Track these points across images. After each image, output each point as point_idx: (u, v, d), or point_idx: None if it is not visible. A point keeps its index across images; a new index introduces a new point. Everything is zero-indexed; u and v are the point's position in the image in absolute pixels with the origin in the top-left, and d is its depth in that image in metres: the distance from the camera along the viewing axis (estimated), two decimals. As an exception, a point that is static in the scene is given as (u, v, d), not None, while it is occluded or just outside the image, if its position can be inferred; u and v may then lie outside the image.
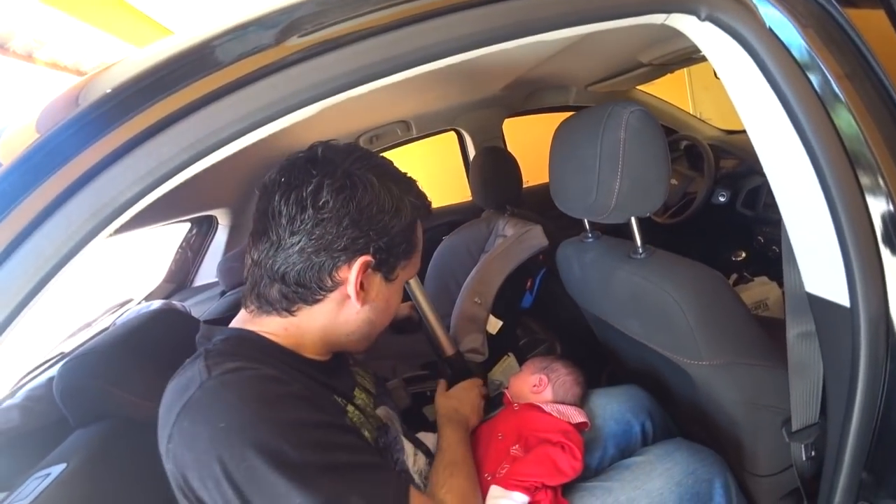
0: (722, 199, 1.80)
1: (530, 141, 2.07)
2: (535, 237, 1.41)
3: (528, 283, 1.48)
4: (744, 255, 1.83)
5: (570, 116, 0.94)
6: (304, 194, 0.58)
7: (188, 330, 0.72)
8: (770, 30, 0.61)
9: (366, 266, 0.62)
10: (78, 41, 2.54)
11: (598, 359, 1.31)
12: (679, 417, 1.00)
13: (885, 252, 0.61)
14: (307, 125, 0.57)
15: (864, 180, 0.60)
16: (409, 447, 0.75)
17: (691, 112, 2.23)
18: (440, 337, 1.04)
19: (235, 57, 0.52)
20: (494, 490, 0.74)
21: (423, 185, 0.70)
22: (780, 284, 1.52)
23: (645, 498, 0.74)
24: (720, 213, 1.82)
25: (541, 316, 1.48)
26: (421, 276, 1.17)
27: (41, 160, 0.49)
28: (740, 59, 0.63)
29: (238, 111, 0.52)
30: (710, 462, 0.79)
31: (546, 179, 0.99)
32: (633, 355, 1.07)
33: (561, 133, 0.95)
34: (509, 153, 1.73)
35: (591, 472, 0.84)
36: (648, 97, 2.14)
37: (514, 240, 1.42)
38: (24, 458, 0.78)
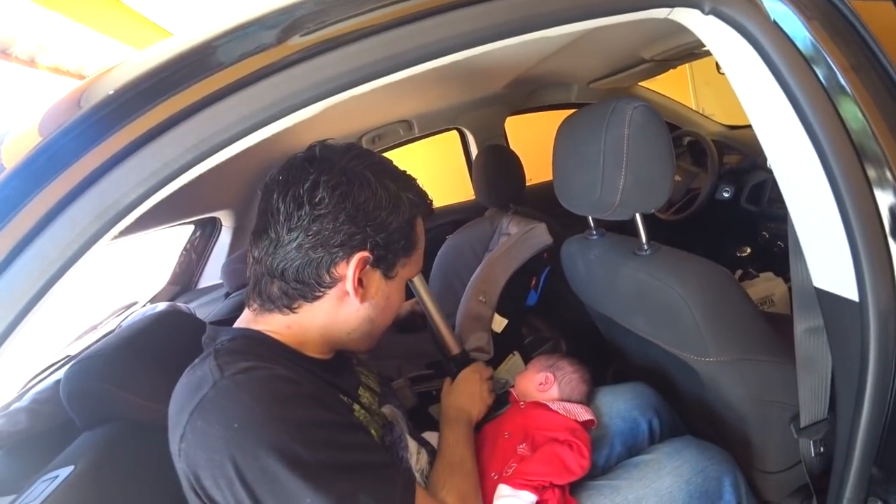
0: (726, 194, 1.79)
1: (533, 139, 2.06)
2: (539, 235, 1.41)
3: (533, 281, 1.47)
4: (748, 250, 1.82)
5: (574, 113, 0.94)
6: (301, 191, 0.59)
7: (193, 332, 0.72)
8: (774, 22, 0.61)
9: (363, 262, 0.62)
10: (80, 46, 2.55)
11: (603, 356, 1.31)
12: (686, 415, 1.00)
13: (893, 245, 0.60)
14: (310, 126, 0.57)
15: (872, 173, 0.59)
16: (413, 445, 0.75)
17: (694, 108, 2.22)
18: (445, 336, 1.04)
19: (237, 57, 0.53)
20: (502, 489, 0.74)
21: (426, 185, 0.70)
22: (786, 280, 1.51)
23: (654, 496, 0.74)
24: (724, 209, 1.81)
25: (546, 314, 1.48)
26: (425, 275, 1.17)
27: (44, 163, 0.49)
28: (745, 53, 0.63)
29: (241, 111, 0.52)
30: (720, 460, 0.79)
31: (549, 177, 0.99)
32: (639, 352, 1.07)
33: (564, 130, 0.95)
34: (512, 151, 1.73)
35: (598, 471, 0.84)
36: (651, 93, 2.13)
37: (518, 238, 1.42)
38: (31, 461, 0.79)
